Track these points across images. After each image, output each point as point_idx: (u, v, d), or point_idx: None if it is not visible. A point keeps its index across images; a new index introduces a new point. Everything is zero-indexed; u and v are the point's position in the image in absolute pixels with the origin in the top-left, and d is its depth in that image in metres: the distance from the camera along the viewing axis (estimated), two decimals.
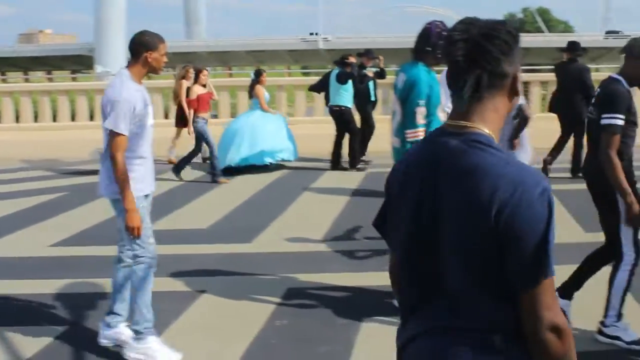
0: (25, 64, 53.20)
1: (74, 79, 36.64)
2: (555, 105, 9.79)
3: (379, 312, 4.74)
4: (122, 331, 4.23)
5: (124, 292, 4.22)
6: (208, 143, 10.25)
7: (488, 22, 1.63)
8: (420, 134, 4.39)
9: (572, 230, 6.61)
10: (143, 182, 4.06)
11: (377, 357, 4.09)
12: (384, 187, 1.85)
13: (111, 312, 4.25)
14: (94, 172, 11.26)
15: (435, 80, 4.49)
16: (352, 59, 10.83)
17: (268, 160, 11.12)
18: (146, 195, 4.11)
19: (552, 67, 11.75)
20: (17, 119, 14.38)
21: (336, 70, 10.75)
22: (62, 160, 12.83)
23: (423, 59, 4.48)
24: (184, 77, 11.30)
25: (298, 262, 6.01)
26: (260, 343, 4.31)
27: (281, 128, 11.37)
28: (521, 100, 5.75)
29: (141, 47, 3.93)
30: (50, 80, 31.53)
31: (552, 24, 77.97)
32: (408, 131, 4.43)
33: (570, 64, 9.54)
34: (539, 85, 14.45)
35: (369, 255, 6.19)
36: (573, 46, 9.64)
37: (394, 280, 1.93)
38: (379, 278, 5.38)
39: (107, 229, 7.29)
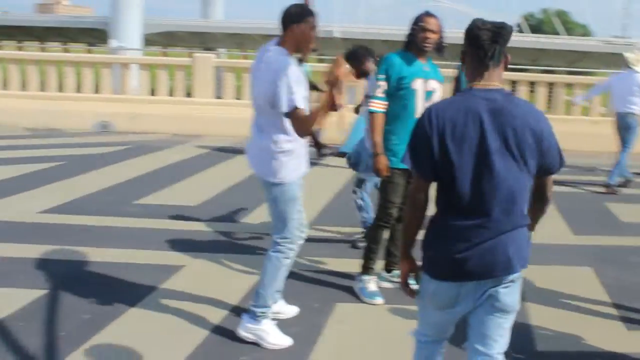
0: (41, 34, 53.15)
1: (89, 52, 36.56)
2: None
3: (353, 298, 4.78)
4: (264, 327, 4.03)
5: (276, 281, 4.04)
6: None
7: (496, 23, 2.51)
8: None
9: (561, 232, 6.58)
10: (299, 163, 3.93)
11: (346, 342, 4.12)
12: (419, 131, 2.54)
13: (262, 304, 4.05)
14: (93, 145, 11.36)
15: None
16: None
17: None
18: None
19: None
20: (24, 87, 14.40)
21: None
22: (65, 131, 12.93)
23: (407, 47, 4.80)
24: None
25: None
26: (231, 320, 4.31)
27: None
28: None
29: (287, 19, 3.77)
30: (66, 51, 31.37)
31: (571, 27, 77.28)
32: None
33: None
34: (526, 84, 14.43)
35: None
36: None
37: (418, 202, 2.60)
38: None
39: (95, 201, 7.34)
